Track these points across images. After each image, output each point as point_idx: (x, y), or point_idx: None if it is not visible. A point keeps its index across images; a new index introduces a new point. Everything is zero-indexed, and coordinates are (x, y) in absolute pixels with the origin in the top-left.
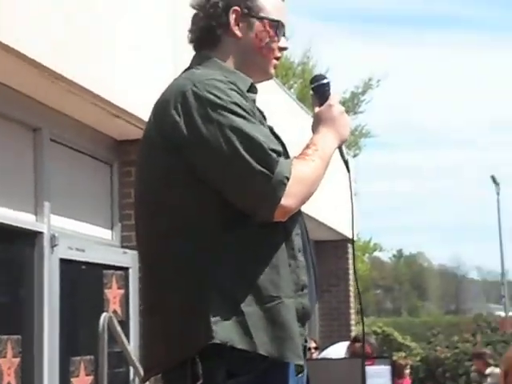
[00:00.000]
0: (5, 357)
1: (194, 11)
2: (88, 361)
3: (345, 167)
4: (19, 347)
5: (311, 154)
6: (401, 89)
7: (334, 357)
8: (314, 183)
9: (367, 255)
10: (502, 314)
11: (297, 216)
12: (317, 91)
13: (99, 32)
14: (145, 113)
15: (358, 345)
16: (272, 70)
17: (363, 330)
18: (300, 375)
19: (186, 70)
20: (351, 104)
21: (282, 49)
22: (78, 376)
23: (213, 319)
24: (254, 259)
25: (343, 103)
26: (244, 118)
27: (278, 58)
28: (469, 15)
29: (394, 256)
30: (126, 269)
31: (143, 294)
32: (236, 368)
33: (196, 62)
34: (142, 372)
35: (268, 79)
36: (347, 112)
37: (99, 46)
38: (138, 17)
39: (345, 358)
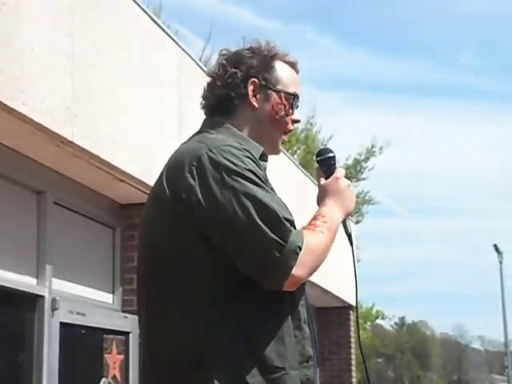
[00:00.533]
0: None
1: (209, 79)
2: None
3: (348, 240)
4: None
5: (320, 225)
6: (404, 156)
7: None
8: (323, 254)
9: (369, 323)
10: None
11: (303, 286)
12: (323, 164)
13: (106, 98)
14: (149, 177)
15: None
16: (280, 147)
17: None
18: None
19: (196, 133)
20: (354, 170)
21: (294, 121)
22: None
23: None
24: (260, 329)
25: (346, 169)
26: (258, 185)
27: (289, 131)
28: (474, 84)
29: (396, 324)
30: (126, 333)
31: (143, 359)
32: None
33: (207, 126)
34: None
35: (275, 154)
36: (350, 179)
37: (105, 111)
38: (145, 86)
39: None
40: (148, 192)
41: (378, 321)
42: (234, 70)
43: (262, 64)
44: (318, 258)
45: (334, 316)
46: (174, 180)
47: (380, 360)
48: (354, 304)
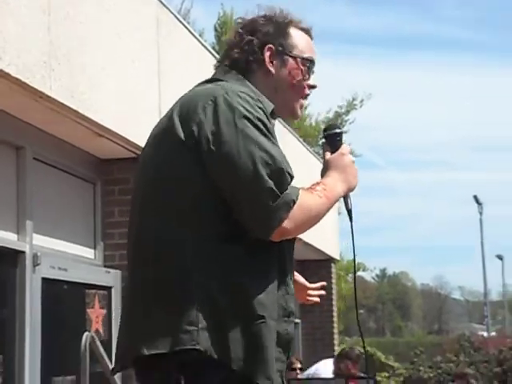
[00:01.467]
0: None
1: (227, 46)
2: (70, 381)
3: (348, 215)
4: (0, 367)
5: (319, 190)
6: (384, 110)
7: (323, 374)
8: (315, 216)
9: (350, 275)
10: (485, 334)
11: (292, 242)
12: (329, 139)
13: (84, 52)
14: (128, 132)
15: (342, 364)
16: (299, 111)
17: (364, 348)
18: None
19: (210, 79)
20: (334, 123)
21: (311, 87)
22: None
23: (200, 325)
24: (245, 276)
25: (327, 122)
26: (266, 136)
27: (307, 96)
28: (454, 36)
29: (377, 276)
30: (108, 288)
31: (129, 276)
32: (211, 378)
33: (223, 75)
34: None
35: (294, 119)
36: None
37: (84, 65)
38: (123, 39)
39: (330, 378)
40: (127, 146)
41: (360, 273)
42: (250, 37)
43: (277, 31)
44: (309, 217)
45: (316, 269)
46: (185, 115)
47: (362, 311)
48: (335, 257)
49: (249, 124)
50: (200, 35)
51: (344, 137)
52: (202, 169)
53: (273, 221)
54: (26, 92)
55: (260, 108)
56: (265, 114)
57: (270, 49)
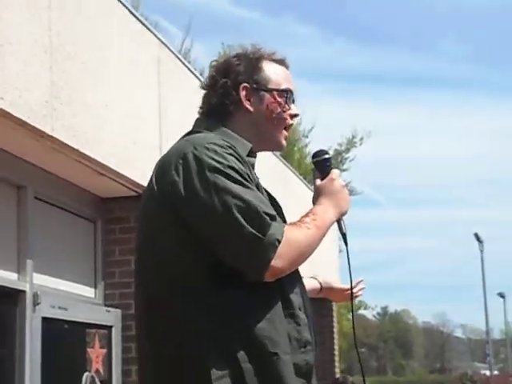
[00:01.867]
0: None
1: (203, 92)
2: None
3: (343, 240)
4: None
5: (308, 222)
6: (384, 148)
7: None
8: (305, 249)
9: (351, 314)
10: (488, 372)
11: (295, 275)
12: (318, 165)
13: (85, 92)
14: (129, 171)
15: None
16: (283, 142)
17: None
18: None
19: (187, 133)
20: (335, 161)
21: (293, 116)
22: None
23: (213, 376)
24: (250, 316)
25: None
26: (239, 182)
27: (290, 126)
28: (454, 75)
29: (378, 314)
30: (109, 327)
31: (137, 345)
32: None
33: (198, 125)
34: None
35: (280, 150)
36: (337, 167)
37: (86, 105)
38: (124, 78)
39: None
40: (128, 185)
41: (361, 311)
42: (223, 79)
43: (249, 68)
44: (299, 251)
45: (317, 307)
46: (161, 177)
47: (363, 350)
48: None
49: (219, 175)
50: (200, 74)
51: (332, 162)
52: (182, 229)
53: (261, 263)
54: (27, 132)
55: (230, 154)
56: (237, 158)
57: (244, 88)
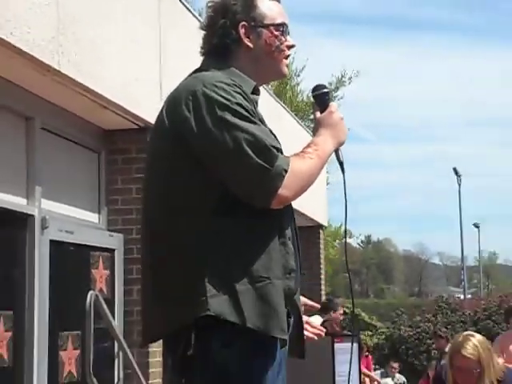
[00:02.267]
0: None
1: (204, 32)
2: (75, 336)
3: (340, 168)
4: (11, 322)
5: (311, 152)
6: (372, 87)
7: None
8: (309, 178)
9: (338, 241)
10: (462, 296)
11: (290, 209)
12: (318, 99)
13: (90, 29)
14: (131, 105)
15: (326, 322)
16: (285, 69)
17: (353, 311)
18: (283, 349)
19: (194, 71)
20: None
21: (290, 47)
22: (65, 349)
23: (209, 294)
24: (249, 243)
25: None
26: (247, 118)
27: (288, 56)
28: (444, 18)
29: (362, 242)
30: (112, 250)
31: (144, 260)
32: (229, 339)
33: (205, 64)
34: (126, 346)
35: (283, 78)
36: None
37: (90, 42)
38: (127, 17)
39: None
40: (129, 118)
41: (348, 239)
42: (222, 20)
43: (245, 7)
44: (303, 180)
45: (305, 235)
46: (172, 112)
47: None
48: (323, 223)
49: (227, 112)
50: (199, 14)
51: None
52: (192, 161)
53: (269, 191)
54: (35, 66)
55: (237, 92)
56: (243, 96)
57: (243, 26)
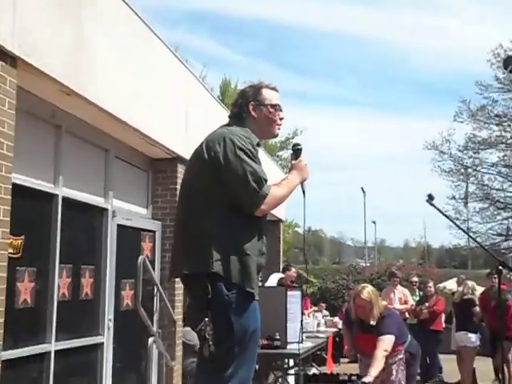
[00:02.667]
0: (85, 277)
1: (231, 106)
2: (131, 283)
3: (302, 193)
4: (93, 273)
5: (284, 184)
6: (311, 137)
7: (269, 285)
8: (280, 200)
9: (290, 230)
10: (364, 264)
11: (265, 216)
12: (294, 152)
13: (150, 99)
14: (167, 143)
15: (282, 277)
16: (277, 132)
17: (307, 271)
18: (255, 301)
19: (224, 125)
20: (284, 143)
21: (281, 118)
22: (125, 290)
23: (214, 258)
24: (242, 233)
25: (283, 142)
26: (252, 159)
27: (280, 124)
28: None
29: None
30: (154, 232)
31: (177, 229)
32: (229, 288)
33: (230, 123)
34: (161, 289)
35: (275, 137)
36: (286, 148)
37: (149, 107)
38: (166, 97)
39: (273, 287)
40: (166, 151)
41: (296, 229)
42: (240, 100)
43: (255, 93)
44: (276, 201)
45: (271, 225)
46: (209, 146)
47: (296, 250)
48: (282, 218)
49: (242, 153)
50: (211, 90)
51: (302, 151)
52: (217, 179)
53: (255, 205)
54: (114, 120)
55: (249, 143)
56: (252, 146)
57: (252, 105)
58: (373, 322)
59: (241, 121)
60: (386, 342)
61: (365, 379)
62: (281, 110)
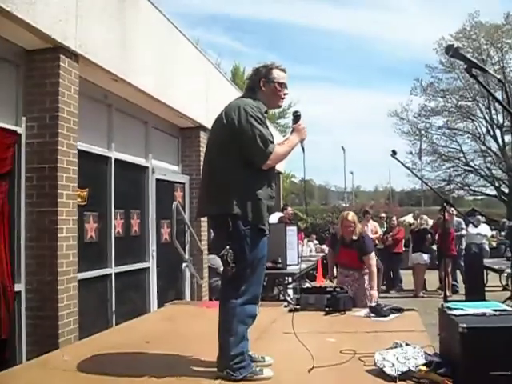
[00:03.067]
0: (133, 219)
1: (246, 80)
2: (168, 222)
3: (301, 150)
4: (139, 216)
5: (285, 143)
6: (305, 108)
7: (271, 222)
8: (283, 156)
9: (288, 180)
10: (344, 205)
11: (274, 169)
12: (294, 117)
13: (178, 81)
14: (191, 114)
15: (282, 215)
16: (280, 104)
17: (306, 208)
18: (264, 235)
19: (240, 96)
20: (281, 113)
21: (285, 94)
22: (163, 228)
23: (234, 201)
24: (256, 182)
25: (281, 112)
26: (261, 124)
27: (283, 98)
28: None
29: (300, 180)
30: (183, 184)
31: (204, 177)
32: (245, 224)
33: (244, 95)
34: (191, 227)
35: (278, 108)
36: (283, 117)
37: (177, 88)
38: (190, 82)
39: (275, 224)
40: (190, 121)
41: (292, 179)
42: (254, 76)
43: (267, 72)
44: (280, 157)
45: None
46: (226, 114)
47: (293, 195)
48: (281, 171)
49: (253, 119)
50: (225, 73)
51: (301, 117)
52: (233, 140)
53: (263, 161)
54: (147, 98)
55: (259, 111)
56: (261, 113)
57: (262, 81)
58: (355, 237)
59: (253, 93)
60: (373, 258)
61: (373, 292)
62: (286, 88)
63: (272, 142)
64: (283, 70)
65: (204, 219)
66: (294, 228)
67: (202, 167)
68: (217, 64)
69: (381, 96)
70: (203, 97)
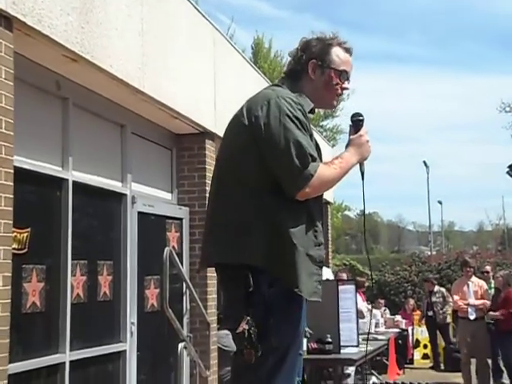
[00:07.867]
0: (102, 275)
1: (289, 57)
2: (156, 279)
3: (361, 176)
4: (111, 269)
5: (336, 163)
6: (363, 103)
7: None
8: (330, 183)
9: (340, 213)
10: (429, 252)
11: (320, 202)
12: (354, 123)
13: (165, 62)
14: (193, 116)
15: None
16: (335, 103)
17: (370, 267)
18: (302, 301)
19: (273, 84)
20: (330, 111)
21: (344, 89)
22: (149, 289)
23: (255, 248)
24: (290, 217)
25: (324, 111)
26: (299, 129)
27: (340, 95)
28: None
29: (358, 214)
30: (180, 219)
31: (209, 215)
32: (271, 282)
33: (281, 81)
34: (191, 286)
35: (331, 109)
36: (332, 116)
37: (165, 70)
38: (191, 55)
39: (326, 280)
40: (192, 125)
41: (346, 212)
42: (301, 53)
43: (321, 50)
44: (324, 184)
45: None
46: (249, 110)
47: (347, 237)
48: (330, 201)
49: (289, 120)
50: (243, 51)
51: (364, 122)
52: (255, 148)
53: (296, 187)
54: (127, 88)
55: (299, 109)
56: (302, 113)
57: (312, 63)
58: None
59: (296, 80)
60: None
61: None
62: (347, 79)
63: (315, 160)
64: (348, 51)
65: (212, 274)
66: (352, 287)
67: (208, 194)
68: (229, 35)
69: (487, 80)
70: (210, 87)
